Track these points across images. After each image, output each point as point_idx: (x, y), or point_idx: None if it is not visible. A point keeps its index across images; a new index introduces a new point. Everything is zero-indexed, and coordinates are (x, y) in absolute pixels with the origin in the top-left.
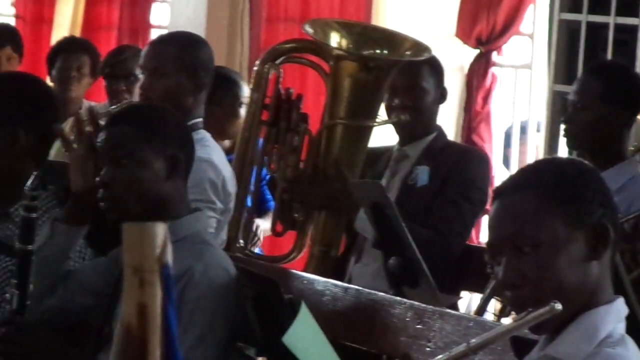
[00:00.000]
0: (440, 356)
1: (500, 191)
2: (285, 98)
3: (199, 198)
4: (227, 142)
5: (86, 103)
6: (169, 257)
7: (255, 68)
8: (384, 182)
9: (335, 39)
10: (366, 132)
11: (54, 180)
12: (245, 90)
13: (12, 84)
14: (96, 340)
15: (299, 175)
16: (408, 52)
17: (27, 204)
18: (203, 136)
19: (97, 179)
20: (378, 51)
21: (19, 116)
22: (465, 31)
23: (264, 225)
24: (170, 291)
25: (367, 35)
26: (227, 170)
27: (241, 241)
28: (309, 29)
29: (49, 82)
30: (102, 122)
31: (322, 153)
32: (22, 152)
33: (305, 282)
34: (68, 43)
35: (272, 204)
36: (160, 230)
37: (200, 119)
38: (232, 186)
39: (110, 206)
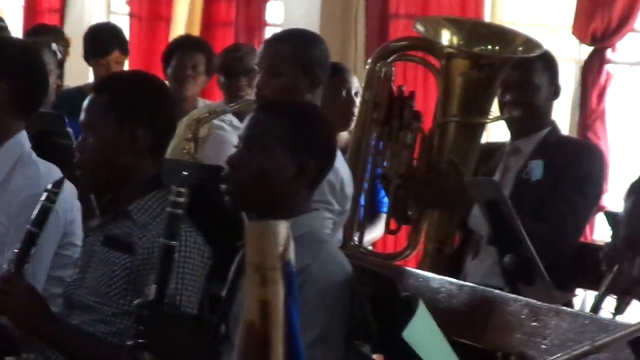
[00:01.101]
0: (561, 354)
1: (636, 187)
2: (398, 96)
3: (316, 199)
4: (344, 134)
5: (201, 101)
6: (292, 255)
7: (366, 66)
8: (497, 177)
9: (446, 37)
10: (479, 129)
11: (168, 179)
12: (356, 84)
13: (130, 83)
14: (212, 338)
15: (413, 173)
16: (520, 49)
17: (174, 200)
18: None
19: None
20: (489, 47)
21: (137, 115)
22: (581, 28)
23: (373, 234)
24: (293, 288)
25: (478, 31)
26: (345, 172)
27: (356, 239)
28: (419, 27)
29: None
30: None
31: (435, 150)
32: (140, 150)
33: (420, 279)
34: (183, 41)
35: (385, 203)
36: (283, 228)
37: None
38: (349, 188)
39: (231, 189)
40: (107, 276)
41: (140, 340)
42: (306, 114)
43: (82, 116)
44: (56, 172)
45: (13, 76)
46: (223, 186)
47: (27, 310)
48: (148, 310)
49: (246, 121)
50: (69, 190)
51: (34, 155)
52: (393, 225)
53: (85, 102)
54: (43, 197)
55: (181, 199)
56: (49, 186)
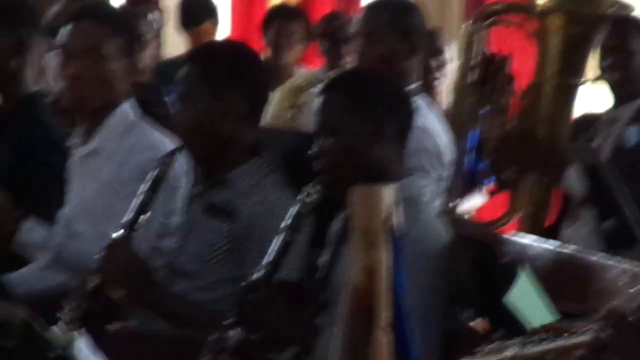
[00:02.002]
0: None
1: None
2: (493, 59)
3: (414, 166)
4: None
5: (299, 69)
6: (397, 220)
7: (463, 30)
8: (595, 144)
9: None
10: (573, 90)
11: (267, 146)
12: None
13: (222, 52)
14: (313, 305)
15: (508, 136)
16: (611, 10)
17: (302, 199)
18: (420, 104)
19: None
20: (582, 8)
21: (233, 83)
22: None
23: (472, 201)
24: (398, 253)
25: None
26: (444, 139)
27: (455, 206)
28: None
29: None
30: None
31: (530, 113)
32: (237, 118)
33: (519, 245)
34: (281, 10)
35: (483, 168)
36: (388, 192)
37: (417, 85)
38: (448, 155)
39: (327, 178)
40: (208, 243)
41: (239, 320)
42: (366, 77)
43: (178, 88)
44: (168, 141)
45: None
46: (320, 178)
47: (131, 276)
48: (253, 292)
49: (317, 105)
50: (181, 159)
51: (143, 123)
52: (490, 190)
53: (180, 74)
54: (156, 166)
55: (309, 198)
56: (163, 155)
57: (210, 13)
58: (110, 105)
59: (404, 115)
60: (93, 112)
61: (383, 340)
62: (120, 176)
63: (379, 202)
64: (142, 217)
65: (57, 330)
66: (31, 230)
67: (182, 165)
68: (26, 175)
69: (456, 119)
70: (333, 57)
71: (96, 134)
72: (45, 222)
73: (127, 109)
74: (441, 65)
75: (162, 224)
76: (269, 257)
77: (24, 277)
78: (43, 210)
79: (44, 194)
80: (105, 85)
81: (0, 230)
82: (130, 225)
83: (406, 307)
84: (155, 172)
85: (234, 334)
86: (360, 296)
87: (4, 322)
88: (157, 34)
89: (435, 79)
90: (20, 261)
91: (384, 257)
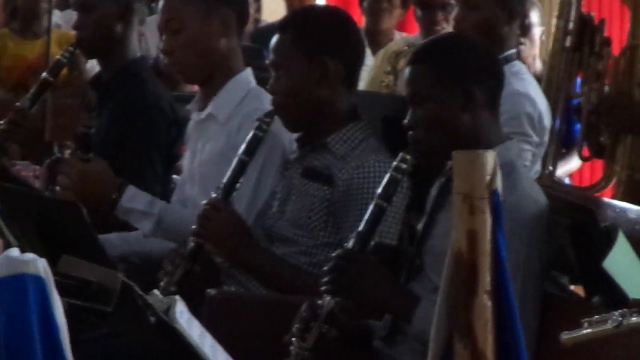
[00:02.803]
0: None
1: None
2: (588, 22)
3: (515, 131)
4: None
5: (397, 34)
6: (499, 184)
7: None
8: None
9: None
10: None
11: (365, 111)
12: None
13: (313, 17)
14: (407, 270)
15: (604, 99)
16: None
17: (397, 165)
18: (519, 69)
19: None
20: None
21: (327, 47)
22: None
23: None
24: (500, 218)
25: None
26: (543, 104)
27: (551, 169)
28: None
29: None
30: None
31: (626, 76)
32: (333, 82)
33: (617, 210)
34: None
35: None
36: (490, 157)
37: (515, 50)
38: (547, 120)
39: (420, 147)
40: (307, 208)
41: (333, 287)
42: (452, 45)
43: (270, 56)
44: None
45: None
46: (413, 149)
47: (231, 236)
48: (347, 261)
49: (405, 76)
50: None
51: (261, 90)
52: (586, 154)
53: (272, 42)
54: (255, 126)
55: (404, 165)
56: (261, 116)
57: None
58: (225, 74)
59: (495, 82)
60: (209, 80)
61: (486, 304)
62: (234, 143)
63: (480, 166)
64: (241, 177)
65: (157, 294)
66: (134, 197)
67: (280, 127)
68: (129, 140)
69: (551, 84)
70: (428, 24)
71: (213, 100)
72: (149, 185)
73: (246, 77)
74: (526, 30)
75: (258, 186)
76: (363, 224)
77: (125, 238)
78: (147, 175)
79: (148, 159)
80: (205, 59)
81: (103, 196)
82: (229, 186)
83: (507, 272)
84: (254, 132)
85: (328, 300)
86: (463, 260)
87: (104, 286)
88: None
89: (521, 44)
90: (122, 228)
91: (487, 221)
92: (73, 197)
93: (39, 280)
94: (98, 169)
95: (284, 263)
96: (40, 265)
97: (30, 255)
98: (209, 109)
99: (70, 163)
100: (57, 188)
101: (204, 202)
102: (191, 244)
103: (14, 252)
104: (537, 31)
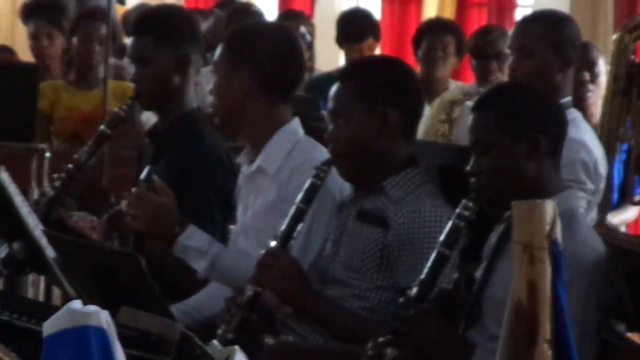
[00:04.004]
0: None
1: None
2: (637, 67)
3: (570, 178)
4: None
5: (452, 83)
6: (558, 234)
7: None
8: None
9: None
10: None
11: (422, 160)
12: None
13: (375, 67)
14: (466, 318)
15: None
16: None
17: (460, 212)
18: (575, 116)
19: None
20: None
21: (386, 97)
22: None
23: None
24: (560, 267)
25: None
26: (599, 151)
27: (609, 219)
28: None
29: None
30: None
31: None
32: (392, 132)
33: None
34: (433, 24)
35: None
36: (550, 207)
37: (570, 98)
38: (603, 167)
39: (483, 195)
40: (360, 251)
41: (395, 336)
42: (518, 93)
43: (330, 104)
44: (317, 152)
45: (269, 62)
46: (476, 195)
47: (289, 284)
48: (409, 308)
49: (471, 123)
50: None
51: (309, 141)
52: None
53: (332, 90)
54: (312, 174)
55: (467, 213)
56: (319, 164)
57: (374, 29)
58: (271, 126)
59: (558, 130)
60: (255, 132)
61: (546, 353)
62: (285, 195)
63: (540, 216)
64: (299, 225)
65: (216, 344)
66: (193, 235)
67: (336, 176)
68: (187, 190)
69: (605, 130)
70: (483, 73)
71: (262, 152)
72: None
73: (294, 127)
74: (594, 78)
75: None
76: (425, 271)
77: (182, 309)
78: (205, 224)
79: (206, 208)
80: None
81: (165, 228)
82: (287, 234)
83: (567, 321)
84: (312, 181)
85: (391, 350)
86: (523, 310)
87: (163, 337)
88: (309, 47)
89: (588, 91)
90: (177, 266)
91: (547, 271)
92: (140, 227)
93: (101, 332)
94: (168, 202)
95: (341, 309)
96: (102, 317)
97: (92, 307)
98: (258, 162)
99: (141, 194)
100: (127, 218)
101: (265, 250)
102: (249, 292)
103: (77, 304)
104: (603, 79)
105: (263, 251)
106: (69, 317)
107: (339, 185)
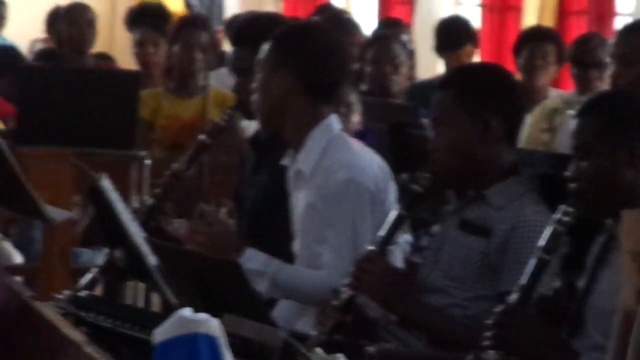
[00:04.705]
0: None
1: None
2: None
3: None
4: None
5: (553, 91)
6: None
7: None
8: None
9: None
10: None
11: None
12: None
13: (476, 74)
14: (569, 327)
15: None
16: None
17: (559, 218)
18: None
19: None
20: None
21: (487, 104)
22: None
23: None
24: None
25: None
26: None
27: None
28: None
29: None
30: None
31: None
32: (494, 139)
33: None
34: (533, 32)
35: None
36: None
37: None
38: None
39: (582, 200)
40: (462, 260)
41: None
42: (624, 101)
43: (432, 112)
44: (366, 155)
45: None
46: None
47: (388, 289)
48: (511, 315)
49: (573, 128)
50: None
51: (341, 140)
52: None
53: (434, 99)
54: (407, 180)
55: (566, 218)
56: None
57: (471, 36)
58: (310, 126)
59: None
60: (296, 131)
61: None
62: (321, 198)
63: None
64: (398, 231)
65: (319, 352)
66: (250, 258)
67: (369, 168)
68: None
69: None
70: (583, 81)
71: (300, 153)
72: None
73: (328, 124)
74: None
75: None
76: (525, 277)
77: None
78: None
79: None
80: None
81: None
82: (387, 239)
83: None
84: (412, 188)
85: (494, 354)
86: (633, 319)
87: (266, 344)
88: (411, 56)
89: None
90: None
91: None
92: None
93: (212, 340)
94: (228, 231)
95: (440, 315)
96: (213, 325)
97: (203, 315)
98: (297, 165)
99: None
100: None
101: (362, 253)
102: (344, 295)
103: (187, 311)
104: None
105: (313, 254)
106: (180, 324)
107: (374, 178)
